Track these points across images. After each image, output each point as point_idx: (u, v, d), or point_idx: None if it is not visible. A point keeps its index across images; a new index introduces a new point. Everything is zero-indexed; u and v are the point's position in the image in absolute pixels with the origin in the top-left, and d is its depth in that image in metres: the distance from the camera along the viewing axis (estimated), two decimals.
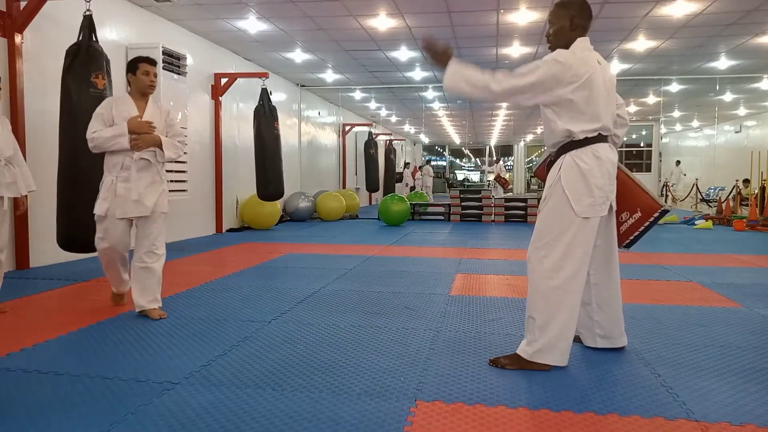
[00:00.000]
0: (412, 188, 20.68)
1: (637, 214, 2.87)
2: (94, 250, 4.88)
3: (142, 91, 3.67)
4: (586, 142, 2.63)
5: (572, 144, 2.64)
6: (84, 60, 4.49)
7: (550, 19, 2.77)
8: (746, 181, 13.63)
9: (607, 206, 2.69)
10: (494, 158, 25.04)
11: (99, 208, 3.63)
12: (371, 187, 16.39)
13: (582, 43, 2.68)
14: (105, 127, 3.54)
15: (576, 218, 2.60)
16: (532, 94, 2.63)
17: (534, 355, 2.65)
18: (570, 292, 2.62)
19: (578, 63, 2.59)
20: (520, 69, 2.64)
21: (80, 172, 4.37)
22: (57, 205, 4.62)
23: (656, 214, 2.83)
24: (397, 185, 20.32)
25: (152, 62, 3.70)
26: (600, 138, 2.66)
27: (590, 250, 2.67)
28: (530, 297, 2.70)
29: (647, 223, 2.85)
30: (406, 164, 22.76)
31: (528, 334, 2.70)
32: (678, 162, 19.93)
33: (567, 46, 2.69)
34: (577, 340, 3.00)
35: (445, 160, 31.61)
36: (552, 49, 2.74)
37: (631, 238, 2.91)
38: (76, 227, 4.43)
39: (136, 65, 3.66)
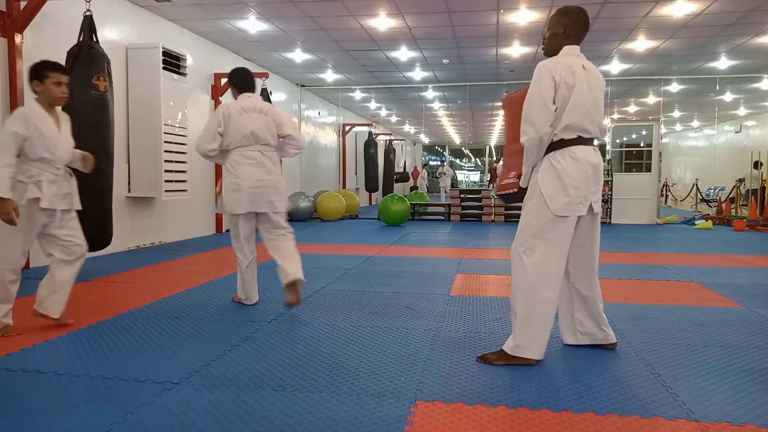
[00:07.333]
0: (413, 188, 20.72)
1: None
2: (97, 249, 4.86)
3: (52, 103, 3.25)
4: (563, 143, 2.69)
5: (550, 146, 2.70)
6: (85, 62, 4.49)
7: (548, 24, 2.90)
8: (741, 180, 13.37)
9: (586, 207, 2.73)
10: (494, 158, 25.06)
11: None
12: (371, 187, 16.39)
13: (569, 50, 2.77)
14: (13, 150, 3.04)
15: (552, 216, 2.67)
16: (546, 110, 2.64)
17: (516, 350, 2.72)
18: (548, 289, 2.69)
19: (561, 66, 2.66)
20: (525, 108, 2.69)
21: (80, 172, 4.36)
22: None
23: (511, 191, 2.95)
24: (403, 184, 20.33)
25: (64, 71, 3.30)
26: (579, 140, 2.71)
27: (567, 248, 2.73)
28: (513, 293, 2.78)
29: (512, 192, 2.96)
30: (423, 166, 22.90)
31: (513, 329, 2.77)
32: None
33: (557, 51, 2.80)
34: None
35: (444, 160, 31.57)
36: (545, 50, 2.90)
37: (504, 192, 3.02)
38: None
39: (44, 73, 3.19)
